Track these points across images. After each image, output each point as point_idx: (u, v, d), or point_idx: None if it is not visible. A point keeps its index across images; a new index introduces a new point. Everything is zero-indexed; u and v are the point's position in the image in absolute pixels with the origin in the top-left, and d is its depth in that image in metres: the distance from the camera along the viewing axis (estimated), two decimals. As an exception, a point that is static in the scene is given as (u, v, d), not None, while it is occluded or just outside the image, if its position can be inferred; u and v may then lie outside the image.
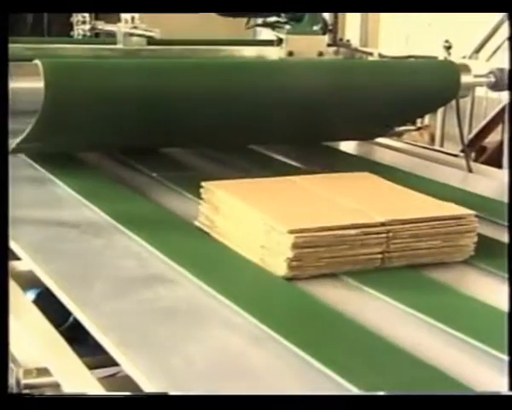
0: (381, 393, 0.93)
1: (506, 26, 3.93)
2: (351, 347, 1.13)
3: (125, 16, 2.67)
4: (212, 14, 2.77)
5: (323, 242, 1.36)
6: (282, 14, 2.86)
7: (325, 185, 1.64)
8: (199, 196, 1.61)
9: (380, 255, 1.41)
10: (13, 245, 1.49)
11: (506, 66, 2.43)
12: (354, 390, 0.98)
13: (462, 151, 2.53)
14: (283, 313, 1.27)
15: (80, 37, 3.16)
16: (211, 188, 1.57)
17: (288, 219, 1.39)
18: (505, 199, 1.75)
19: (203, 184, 1.58)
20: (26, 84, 1.82)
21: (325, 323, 1.22)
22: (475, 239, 1.48)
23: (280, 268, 1.35)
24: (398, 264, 1.42)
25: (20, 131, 1.91)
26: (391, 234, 1.40)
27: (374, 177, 1.74)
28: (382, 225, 1.40)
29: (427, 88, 2.34)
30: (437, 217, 1.45)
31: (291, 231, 1.33)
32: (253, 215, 1.44)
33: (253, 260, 1.42)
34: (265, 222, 1.39)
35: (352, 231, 1.38)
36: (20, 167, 2.05)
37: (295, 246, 1.33)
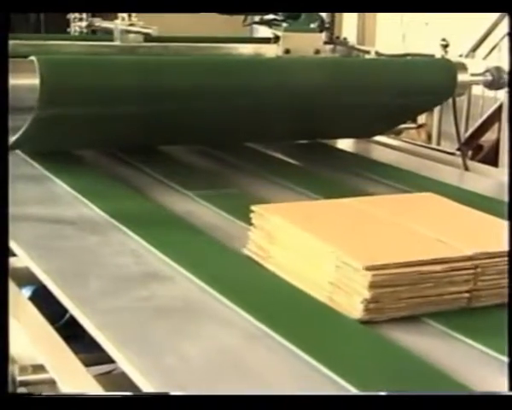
0: (381, 393, 0.93)
1: (503, 24, 3.93)
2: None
3: (121, 13, 2.67)
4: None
5: (405, 280, 1.18)
6: (279, 12, 2.86)
7: (389, 209, 1.46)
8: (239, 216, 1.57)
9: (467, 294, 1.23)
10: (9, 241, 1.49)
11: (503, 64, 2.43)
12: (353, 390, 0.98)
13: (459, 149, 2.53)
14: (364, 364, 1.08)
15: (77, 34, 3.16)
16: (264, 213, 1.40)
17: (361, 252, 1.22)
18: (503, 197, 1.76)
19: (254, 208, 1.42)
20: (22, 80, 1.81)
21: (411, 374, 1.05)
22: None
23: (354, 310, 1.18)
24: (486, 303, 1.25)
25: (16, 128, 1.91)
26: (479, 269, 1.23)
27: (438, 198, 1.58)
28: (470, 259, 1.22)
29: (424, 86, 2.34)
30: None
31: (368, 268, 1.16)
32: (320, 247, 1.26)
33: (318, 298, 1.24)
34: (336, 256, 1.22)
35: (438, 267, 1.20)
36: (17, 165, 2.05)
37: (373, 285, 1.16)
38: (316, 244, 1.27)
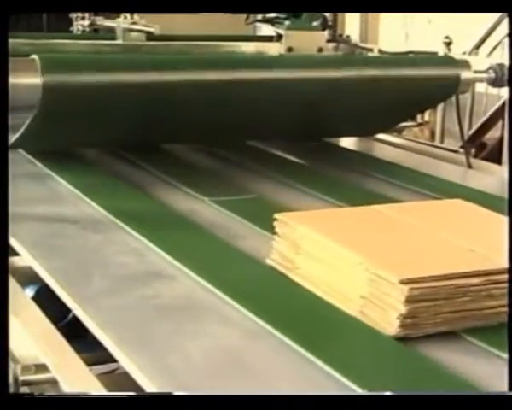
0: (383, 393, 0.92)
1: (506, 22, 3.92)
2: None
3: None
4: (212, 9, 2.76)
5: (442, 294, 1.12)
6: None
7: (417, 216, 1.39)
8: (260, 223, 1.52)
9: (505, 308, 1.15)
10: (12, 241, 1.49)
11: (506, 62, 2.43)
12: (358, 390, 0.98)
13: (462, 147, 2.52)
14: (401, 382, 1.02)
15: (79, 32, 3.15)
16: (289, 222, 1.33)
17: (394, 263, 1.16)
18: (505, 195, 1.75)
19: (278, 216, 1.35)
20: (24, 79, 1.81)
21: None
22: None
23: (389, 325, 1.11)
24: None
25: (17, 126, 1.91)
26: None
27: (467, 204, 1.51)
28: (509, 271, 1.14)
29: (427, 84, 2.34)
30: None
31: (404, 282, 1.10)
32: (350, 258, 1.20)
33: (348, 312, 1.18)
34: (367, 268, 1.15)
35: (475, 280, 1.14)
36: (19, 163, 2.05)
37: (410, 300, 1.10)
38: (345, 255, 1.20)
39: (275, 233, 1.35)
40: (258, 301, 1.22)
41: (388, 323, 1.11)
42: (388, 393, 0.91)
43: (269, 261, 1.35)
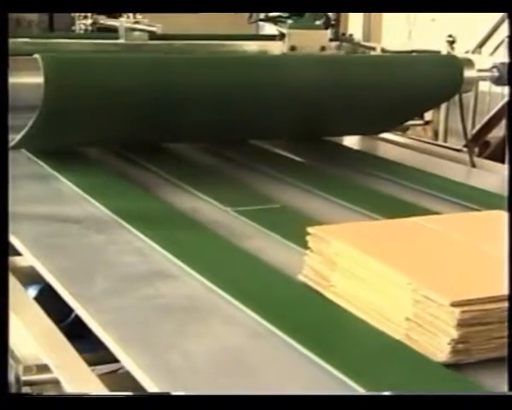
0: (384, 393, 0.92)
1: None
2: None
3: (126, 11, 2.67)
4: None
5: (495, 317, 1.04)
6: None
7: (460, 230, 1.30)
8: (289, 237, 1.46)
9: None
10: (14, 241, 1.48)
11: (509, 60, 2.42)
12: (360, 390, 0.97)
13: (466, 146, 2.52)
14: None
15: (82, 31, 3.15)
16: (323, 236, 1.25)
17: (443, 283, 1.08)
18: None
19: (311, 230, 1.28)
20: (26, 79, 1.81)
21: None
22: None
23: (438, 350, 1.04)
24: None
25: (20, 126, 1.91)
26: None
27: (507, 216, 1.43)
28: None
29: (430, 83, 2.33)
30: None
31: (455, 304, 1.02)
32: (393, 277, 1.11)
33: (392, 336, 1.10)
34: (414, 288, 1.08)
35: None
36: (23, 163, 2.04)
37: (462, 323, 1.02)
38: (389, 274, 1.12)
39: (303, 245, 1.29)
40: (291, 320, 1.15)
41: (438, 348, 1.04)
42: (388, 393, 0.91)
43: (301, 277, 1.27)
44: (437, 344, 1.04)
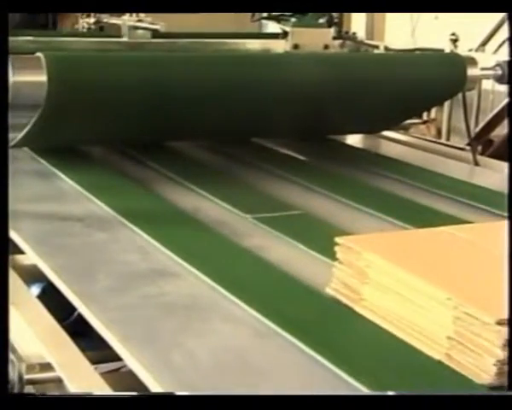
0: (385, 393, 0.92)
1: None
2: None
3: (129, 9, 2.67)
4: (217, 8, 2.76)
5: None
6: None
7: (497, 241, 1.17)
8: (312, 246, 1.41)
9: None
10: (17, 239, 1.48)
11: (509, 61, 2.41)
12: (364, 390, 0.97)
13: (469, 145, 2.51)
14: None
15: (85, 30, 3.16)
16: (353, 247, 1.18)
17: (486, 299, 1.02)
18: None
19: (339, 240, 1.20)
20: (29, 77, 1.81)
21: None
22: None
23: (483, 372, 0.98)
24: None
25: (23, 124, 1.91)
26: None
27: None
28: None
29: (434, 81, 2.33)
30: None
31: (501, 322, 0.96)
32: (431, 292, 1.05)
33: (430, 355, 1.03)
34: (455, 304, 1.01)
35: None
36: (25, 161, 2.05)
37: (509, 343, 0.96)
38: (425, 288, 1.05)
39: (326, 254, 1.25)
40: (320, 335, 1.10)
41: (482, 369, 0.98)
42: (391, 393, 0.91)
43: (328, 290, 1.21)
44: (481, 365, 0.98)
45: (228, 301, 1.22)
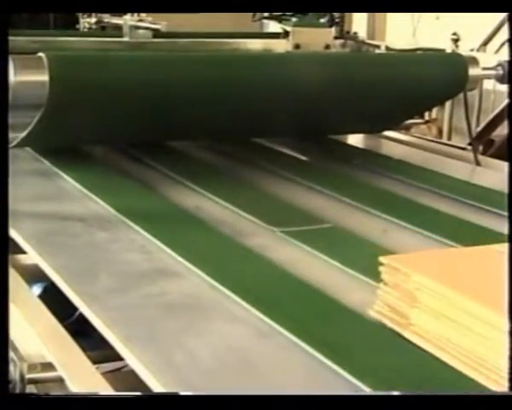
0: (387, 393, 0.92)
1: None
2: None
3: (130, 9, 2.67)
4: (219, 7, 2.76)
5: None
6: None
7: None
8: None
9: None
10: (18, 238, 1.49)
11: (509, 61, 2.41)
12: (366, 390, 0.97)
13: (470, 144, 2.51)
14: None
15: (86, 30, 3.16)
16: (401, 268, 1.11)
17: None
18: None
19: (384, 260, 1.13)
20: (31, 77, 1.81)
21: None
22: None
23: None
24: None
25: (24, 124, 1.91)
26: None
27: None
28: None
29: (435, 81, 2.33)
30: None
31: None
32: (489, 317, 0.98)
33: (491, 388, 0.96)
34: None
35: None
36: (26, 161, 2.05)
37: None
38: (482, 313, 0.98)
39: (365, 273, 1.21)
40: (369, 364, 1.04)
41: None
42: (391, 393, 0.91)
43: (372, 314, 1.14)
44: None
45: (230, 301, 1.22)
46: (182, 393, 0.93)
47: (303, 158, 2.29)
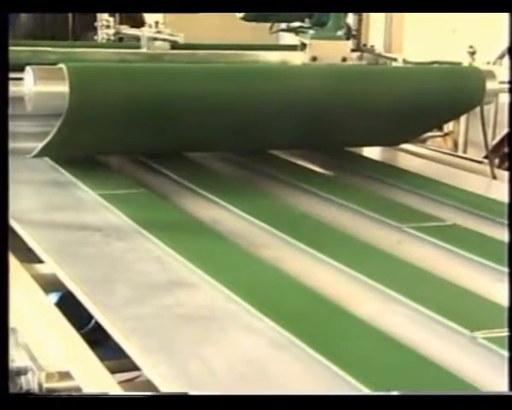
0: (386, 393, 0.92)
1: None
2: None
3: (148, 21, 2.69)
4: (237, 19, 2.77)
5: None
6: (306, 20, 2.85)
7: None
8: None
9: None
10: (36, 248, 1.50)
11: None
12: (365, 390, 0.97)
13: (486, 157, 2.51)
14: None
15: (104, 41, 3.18)
16: None
17: None
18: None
19: None
20: (51, 88, 1.83)
21: None
22: None
23: None
24: None
25: (43, 135, 1.93)
26: None
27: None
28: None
29: (452, 94, 2.33)
30: None
31: None
32: None
33: None
34: None
35: None
36: (43, 171, 2.06)
37: None
38: None
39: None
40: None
41: None
42: (391, 393, 0.91)
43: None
44: None
45: (246, 312, 1.23)
46: (191, 393, 0.94)
47: (320, 170, 2.29)
